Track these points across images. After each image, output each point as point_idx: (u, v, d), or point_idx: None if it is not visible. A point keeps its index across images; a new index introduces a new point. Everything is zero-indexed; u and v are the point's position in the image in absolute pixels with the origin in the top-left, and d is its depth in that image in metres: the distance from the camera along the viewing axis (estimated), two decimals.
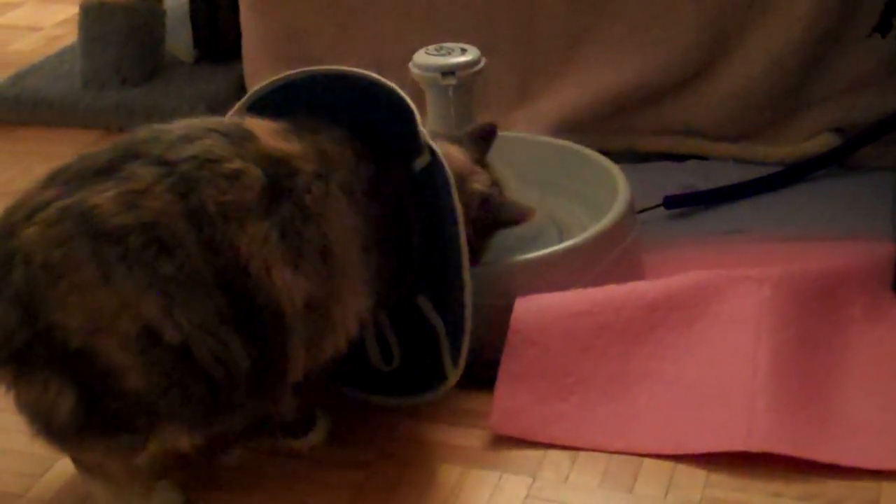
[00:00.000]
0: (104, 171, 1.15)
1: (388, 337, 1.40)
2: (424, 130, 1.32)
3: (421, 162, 1.33)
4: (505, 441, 1.35)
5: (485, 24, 2.00)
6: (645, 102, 1.97)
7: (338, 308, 1.24)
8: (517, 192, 1.48)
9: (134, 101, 2.23)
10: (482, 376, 1.41)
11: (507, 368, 1.38)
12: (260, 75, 2.20)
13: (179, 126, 1.22)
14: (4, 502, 1.32)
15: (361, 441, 1.37)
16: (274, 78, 1.39)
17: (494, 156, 1.62)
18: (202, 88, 2.24)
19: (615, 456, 1.33)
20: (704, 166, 1.92)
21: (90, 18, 2.27)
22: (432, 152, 1.31)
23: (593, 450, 1.34)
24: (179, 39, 2.36)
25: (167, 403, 1.15)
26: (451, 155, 1.39)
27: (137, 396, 1.15)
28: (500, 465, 1.32)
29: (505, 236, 1.47)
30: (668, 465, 1.31)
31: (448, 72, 1.57)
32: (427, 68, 1.58)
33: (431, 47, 1.61)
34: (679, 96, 1.95)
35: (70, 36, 2.54)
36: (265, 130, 1.24)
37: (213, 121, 1.25)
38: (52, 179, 1.17)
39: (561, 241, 1.57)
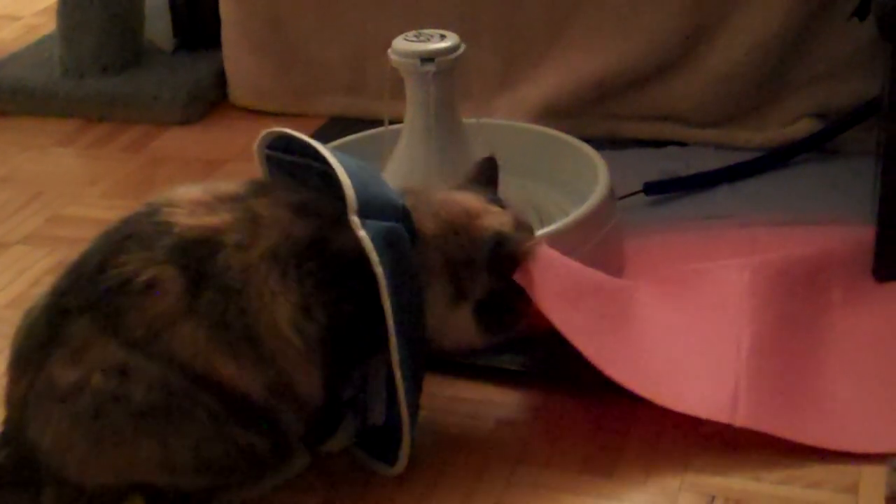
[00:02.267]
0: (48, 341, 1.16)
1: (367, 398, 1.33)
2: (354, 218, 1.18)
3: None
4: (486, 426, 1.36)
5: (466, 10, 2.00)
6: (627, 88, 1.97)
7: (300, 384, 1.20)
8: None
9: (114, 90, 2.22)
10: (464, 363, 1.41)
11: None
12: (240, 63, 2.20)
13: (100, 246, 1.19)
14: None
15: None
16: (277, 131, 1.30)
17: (475, 142, 1.63)
18: (182, 76, 2.24)
19: (596, 441, 1.33)
20: (685, 152, 1.92)
21: (69, 7, 2.25)
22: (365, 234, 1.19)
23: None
24: (159, 27, 2.35)
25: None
26: (453, 201, 1.30)
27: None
28: (483, 449, 1.32)
29: None
30: (648, 449, 1.31)
31: (427, 58, 1.56)
32: (406, 55, 1.57)
33: (410, 33, 1.60)
34: (661, 82, 1.96)
35: (49, 24, 2.52)
36: (188, 209, 1.19)
37: (131, 221, 1.21)
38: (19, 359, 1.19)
39: (541, 227, 1.56)
